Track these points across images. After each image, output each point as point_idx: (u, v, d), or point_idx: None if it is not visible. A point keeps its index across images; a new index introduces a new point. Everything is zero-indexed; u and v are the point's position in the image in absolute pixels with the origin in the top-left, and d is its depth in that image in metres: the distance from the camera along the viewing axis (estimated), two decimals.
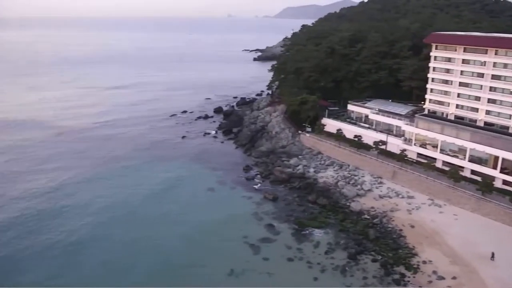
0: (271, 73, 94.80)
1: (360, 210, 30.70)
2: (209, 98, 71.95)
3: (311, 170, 37.76)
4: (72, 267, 24.56)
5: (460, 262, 24.25)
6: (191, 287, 22.32)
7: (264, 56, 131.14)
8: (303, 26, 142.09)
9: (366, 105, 42.19)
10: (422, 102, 40.93)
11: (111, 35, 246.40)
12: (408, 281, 23.06)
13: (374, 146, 37.20)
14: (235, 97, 72.80)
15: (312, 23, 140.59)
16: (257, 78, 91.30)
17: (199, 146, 46.75)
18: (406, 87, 43.68)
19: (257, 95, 74.60)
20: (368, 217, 29.93)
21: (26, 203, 32.03)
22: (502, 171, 30.88)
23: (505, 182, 30.74)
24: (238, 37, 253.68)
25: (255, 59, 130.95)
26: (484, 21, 58.83)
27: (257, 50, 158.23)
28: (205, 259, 25.17)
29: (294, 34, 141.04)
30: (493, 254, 24.45)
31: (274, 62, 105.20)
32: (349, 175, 36.00)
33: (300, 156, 40.75)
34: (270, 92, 61.52)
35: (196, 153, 44.12)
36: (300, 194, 33.77)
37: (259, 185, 35.88)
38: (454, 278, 22.95)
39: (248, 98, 70.49)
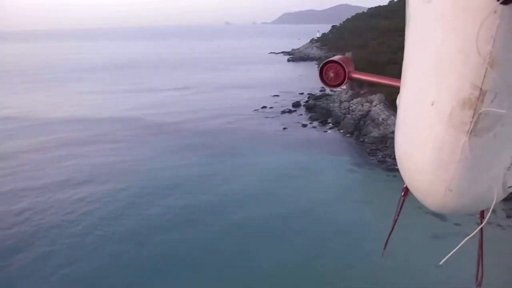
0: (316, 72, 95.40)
1: None
2: (277, 95, 73.70)
3: None
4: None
5: None
6: None
7: (297, 57, 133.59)
8: (333, 26, 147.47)
9: None
10: None
11: (128, 44, 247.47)
12: None
13: None
14: (301, 93, 74.59)
15: (340, 24, 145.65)
16: (306, 76, 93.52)
17: (307, 135, 48.18)
18: None
19: (321, 90, 76.52)
20: None
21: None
22: None
23: None
24: (251, 42, 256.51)
25: (289, 60, 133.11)
26: None
27: (283, 52, 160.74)
28: None
29: (323, 34, 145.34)
30: None
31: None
32: None
33: None
34: (348, 86, 63.06)
35: (309, 142, 45.41)
36: None
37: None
38: None
39: (316, 94, 72.38)
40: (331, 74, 3.09)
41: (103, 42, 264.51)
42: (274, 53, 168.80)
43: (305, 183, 35.89)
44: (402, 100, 2.20)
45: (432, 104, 1.71)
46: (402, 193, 2.77)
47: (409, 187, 2.09)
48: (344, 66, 3.08)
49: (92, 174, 29.46)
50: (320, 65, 3.09)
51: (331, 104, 60.20)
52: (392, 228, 3.06)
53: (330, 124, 52.50)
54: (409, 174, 2.02)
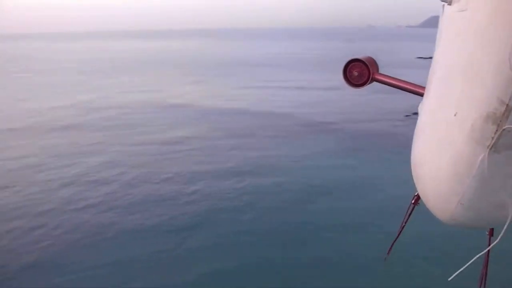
0: None
1: None
2: None
3: None
4: None
5: None
6: None
7: None
8: None
9: None
10: None
11: (270, 44, 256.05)
12: None
13: None
14: None
15: None
16: None
17: None
18: None
19: None
20: None
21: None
22: None
23: None
24: (395, 45, 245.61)
25: None
26: None
27: (431, 57, 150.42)
28: None
29: None
30: None
31: None
32: None
33: None
34: None
35: None
36: None
37: None
38: None
39: None
40: (355, 73, 3.01)
41: (247, 42, 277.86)
42: (422, 58, 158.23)
43: None
44: (424, 108, 2.21)
45: (454, 115, 1.69)
46: (412, 201, 2.78)
47: (420, 195, 2.06)
48: (369, 66, 3.02)
49: (253, 166, 30.80)
50: (345, 63, 3.00)
51: None
52: (398, 235, 3.02)
53: None
54: (422, 182, 1.98)
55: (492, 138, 1.61)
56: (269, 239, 21.55)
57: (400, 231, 3.11)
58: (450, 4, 1.90)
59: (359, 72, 3.01)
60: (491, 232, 2.39)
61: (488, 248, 2.20)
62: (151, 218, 23.30)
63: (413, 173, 2.10)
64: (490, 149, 1.63)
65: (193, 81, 77.22)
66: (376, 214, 26.01)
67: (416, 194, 2.55)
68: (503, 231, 1.93)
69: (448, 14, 1.95)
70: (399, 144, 44.03)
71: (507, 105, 1.54)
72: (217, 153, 33.09)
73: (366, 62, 3.05)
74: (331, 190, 28.31)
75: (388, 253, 3.59)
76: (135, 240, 20.74)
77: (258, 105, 53.22)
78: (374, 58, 3.30)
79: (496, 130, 1.59)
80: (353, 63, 3.04)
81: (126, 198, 25.33)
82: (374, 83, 3.41)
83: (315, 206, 24.89)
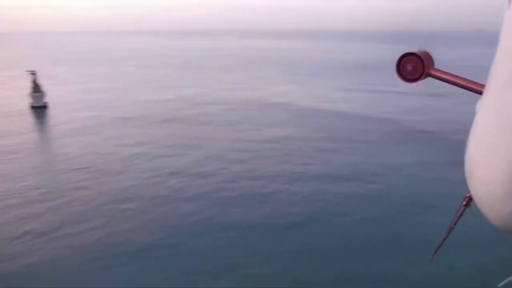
0: None
1: None
2: None
3: None
4: None
5: None
6: None
7: None
8: None
9: None
10: None
11: (367, 46, 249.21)
12: None
13: None
14: None
15: None
16: None
17: None
18: None
19: None
20: None
21: None
22: None
23: None
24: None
25: None
26: None
27: None
28: None
29: None
30: None
31: None
32: None
33: None
34: None
35: None
36: None
37: None
38: None
39: None
40: (409, 67, 2.76)
41: (349, 44, 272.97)
42: None
43: None
44: (484, 106, 1.80)
45: None
46: (464, 203, 2.48)
47: (474, 197, 1.76)
48: (424, 60, 2.75)
49: (352, 171, 30.30)
50: (399, 56, 2.77)
51: None
52: (446, 237, 2.82)
53: None
54: (477, 184, 1.71)
55: None
56: (366, 248, 20.97)
57: (448, 233, 2.88)
58: None
59: (413, 66, 2.82)
60: None
61: None
62: (249, 215, 23.85)
63: (467, 174, 1.87)
64: None
65: (294, 81, 78.11)
66: (475, 235, 24.27)
67: (468, 195, 2.34)
68: None
69: None
70: None
71: None
72: (316, 155, 32.91)
73: (420, 56, 2.95)
74: (433, 203, 26.79)
75: (434, 254, 3.39)
76: (234, 234, 21.45)
77: (359, 109, 52.17)
78: (430, 53, 3.13)
79: None
80: (407, 57, 2.87)
81: (226, 193, 26.29)
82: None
83: (415, 219, 23.66)
